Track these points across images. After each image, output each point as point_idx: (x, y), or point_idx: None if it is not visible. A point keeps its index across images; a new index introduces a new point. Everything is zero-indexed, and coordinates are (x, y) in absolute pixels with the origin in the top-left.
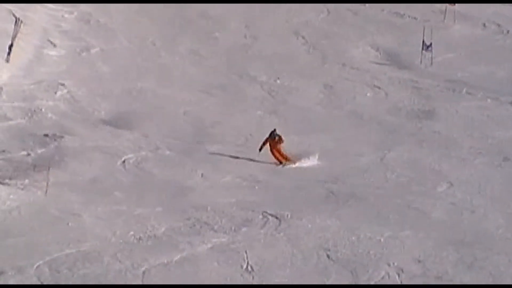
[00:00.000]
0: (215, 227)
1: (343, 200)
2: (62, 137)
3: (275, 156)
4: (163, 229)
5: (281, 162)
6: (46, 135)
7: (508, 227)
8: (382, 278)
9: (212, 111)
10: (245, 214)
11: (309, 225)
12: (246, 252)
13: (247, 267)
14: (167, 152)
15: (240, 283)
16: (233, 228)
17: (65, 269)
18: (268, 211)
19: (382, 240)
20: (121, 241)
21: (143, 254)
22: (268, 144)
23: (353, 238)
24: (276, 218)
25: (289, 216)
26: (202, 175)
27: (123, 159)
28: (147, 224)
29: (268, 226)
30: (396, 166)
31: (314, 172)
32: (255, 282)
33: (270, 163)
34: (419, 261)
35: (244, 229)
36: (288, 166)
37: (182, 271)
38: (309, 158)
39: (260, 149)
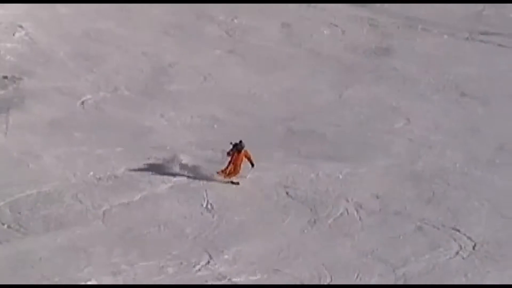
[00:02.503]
0: (175, 166)
1: (302, 137)
2: (21, 79)
3: (226, 168)
4: (123, 169)
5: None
6: (5, 77)
7: (465, 162)
8: (341, 214)
9: (170, 51)
10: (205, 153)
11: (269, 163)
12: (206, 191)
13: (207, 205)
14: (126, 93)
15: (200, 221)
16: (193, 167)
17: (26, 210)
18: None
19: (341, 177)
20: (82, 181)
21: (103, 194)
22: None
23: (312, 175)
24: None
25: None
26: (161, 115)
27: (82, 100)
28: (107, 164)
29: None
30: (354, 103)
31: (274, 110)
32: (215, 220)
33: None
34: (378, 197)
35: (203, 168)
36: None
37: (142, 210)
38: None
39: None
